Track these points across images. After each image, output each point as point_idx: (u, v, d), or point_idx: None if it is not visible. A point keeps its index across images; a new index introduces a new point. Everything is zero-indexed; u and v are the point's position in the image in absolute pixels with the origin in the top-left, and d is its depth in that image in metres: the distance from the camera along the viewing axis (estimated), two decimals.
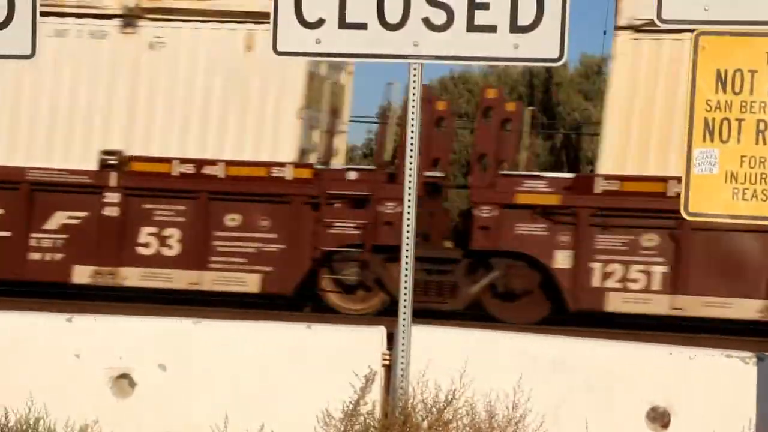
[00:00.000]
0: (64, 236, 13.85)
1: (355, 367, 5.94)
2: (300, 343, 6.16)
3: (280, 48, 5.84)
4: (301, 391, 6.04)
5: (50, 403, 5.99)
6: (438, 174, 14.35)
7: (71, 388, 6.13)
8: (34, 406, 5.95)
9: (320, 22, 5.77)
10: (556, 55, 5.57)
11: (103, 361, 6.18)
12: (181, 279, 13.79)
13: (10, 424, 5.95)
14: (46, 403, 5.97)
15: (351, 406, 5.84)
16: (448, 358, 5.80)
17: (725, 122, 5.37)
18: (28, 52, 6.01)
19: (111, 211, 13.80)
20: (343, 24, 5.75)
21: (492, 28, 5.58)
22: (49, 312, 6.52)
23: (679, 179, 5.66)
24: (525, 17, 5.55)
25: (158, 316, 6.59)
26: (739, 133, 5.36)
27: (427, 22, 5.65)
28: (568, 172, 15.56)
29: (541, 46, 5.56)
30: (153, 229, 13.80)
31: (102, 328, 6.33)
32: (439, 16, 5.62)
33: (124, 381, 6.18)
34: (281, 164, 13.70)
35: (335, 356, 6.08)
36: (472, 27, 5.60)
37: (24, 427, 5.95)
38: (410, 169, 5.77)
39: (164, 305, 12.98)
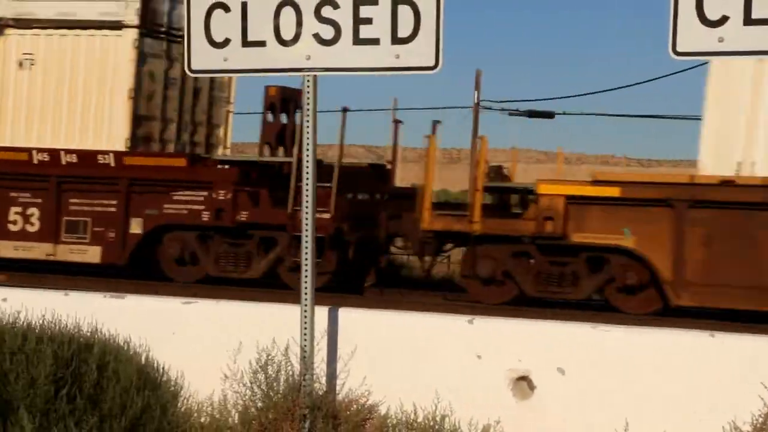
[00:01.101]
0: None
1: (763, 377, 5.68)
2: (701, 352, 5.98)
3: (679, 48, 5.71)
4: (703, 399, 5.87)
5: (454, 401, 6.18)
6: None
7: (473, 388, 6.29)
8: (440, 403, 6.17)
9: None
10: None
11: (503, 363, 6.30)
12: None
13: (418, 420, 6.21)
14: (451, 402, 6.18)
15: (761, 419, 5.59)
16: None
17: None
18: (432, 63, 6.26)
19: None
20: None
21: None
22: (453, 314, 6.76)
23: None
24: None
25: (555, 320, 6.63)
26: None
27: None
28: None
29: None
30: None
31: (500, 331, 6.44)
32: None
33: (523, 383, 6.28)
34: None
35: (740, 365, 5.84)
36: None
37: (431, 423, 6.17)
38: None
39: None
